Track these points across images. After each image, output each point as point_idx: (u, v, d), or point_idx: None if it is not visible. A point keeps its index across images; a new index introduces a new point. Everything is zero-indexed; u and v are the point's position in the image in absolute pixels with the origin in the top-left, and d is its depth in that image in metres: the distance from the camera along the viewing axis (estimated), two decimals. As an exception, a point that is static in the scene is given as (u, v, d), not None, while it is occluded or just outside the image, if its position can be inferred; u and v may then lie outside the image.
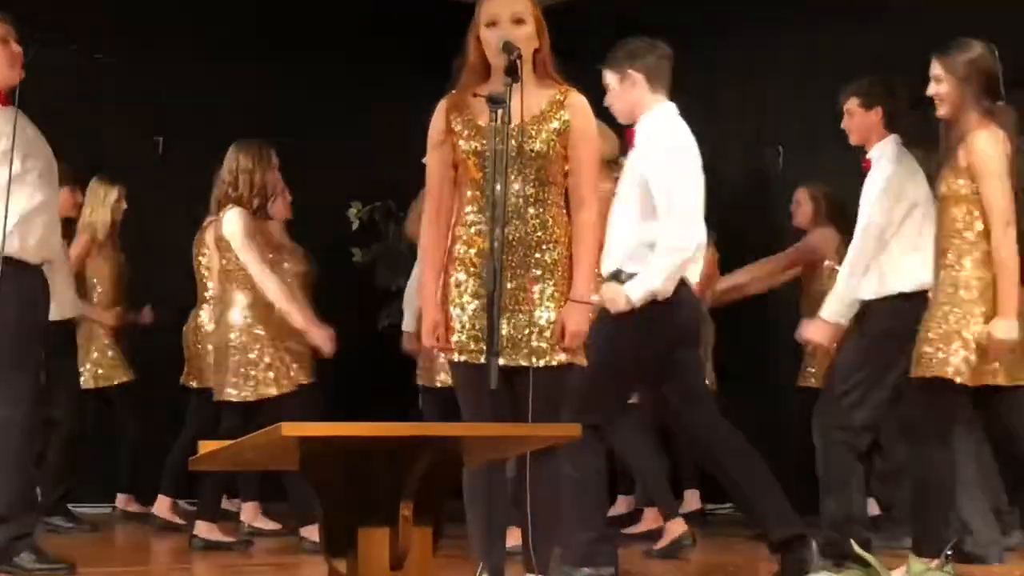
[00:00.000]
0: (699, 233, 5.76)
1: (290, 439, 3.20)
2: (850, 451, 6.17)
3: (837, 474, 6.20)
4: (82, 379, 8.33)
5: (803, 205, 8.02)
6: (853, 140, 6.39)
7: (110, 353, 8.49)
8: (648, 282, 5.61)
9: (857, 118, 6.32)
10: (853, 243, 6.30)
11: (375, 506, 3.37)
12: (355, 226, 10.00)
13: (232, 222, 6.83)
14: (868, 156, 6.32)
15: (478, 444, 3.65)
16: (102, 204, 8.36)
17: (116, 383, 8.53)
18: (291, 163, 7.51)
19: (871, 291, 6.19)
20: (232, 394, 6.88)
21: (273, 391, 6.87)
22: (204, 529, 7.06)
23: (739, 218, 8.77)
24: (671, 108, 5.91)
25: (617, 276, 5.70)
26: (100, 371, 8.45)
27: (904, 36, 7.94)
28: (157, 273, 8.81)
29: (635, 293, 5.61)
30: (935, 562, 5.38)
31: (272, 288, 6.81)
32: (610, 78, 5.91)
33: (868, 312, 6.22)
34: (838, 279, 6.36)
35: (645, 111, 5.88)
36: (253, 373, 6.85)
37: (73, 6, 8.86)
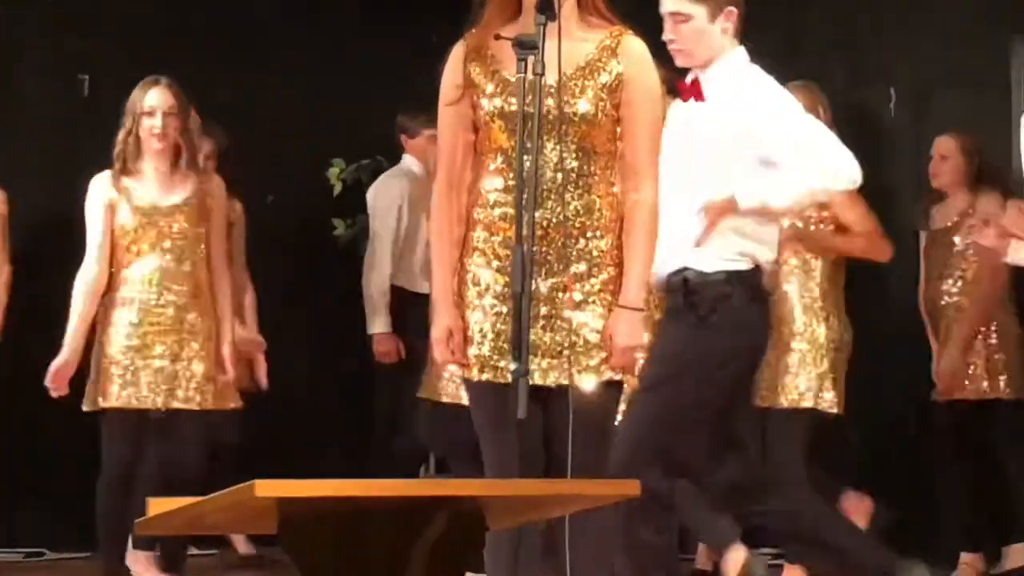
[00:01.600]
0: (855, 169, 5.73)
1: (266, 500, 3.12)
2: None
3: None
4: None
5: (951, 160, 7.95)
6: None
7: None
8: (768, 196, 5.58)
9: None
10: None
11: (375, 583, 3.31)
12: (336, 190, 9.78)
13: None
14: None
15: (507, 504, 3.58)
16: None
17: None
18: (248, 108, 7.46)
19: None
20: None
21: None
22: None
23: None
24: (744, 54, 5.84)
25: (683, 280, 5.63)
26: None
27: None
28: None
29: (745, 200, 5.55)
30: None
31: None
32: (693, 8, 5.79)
33: None
34: None
35: (721, 56, 5.78)
36: None
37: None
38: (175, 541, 7.18)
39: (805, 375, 7.02)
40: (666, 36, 5.72)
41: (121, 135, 6.92)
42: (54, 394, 6.92)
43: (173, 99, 6.93)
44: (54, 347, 7.28)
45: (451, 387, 7.43)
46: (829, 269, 7.20)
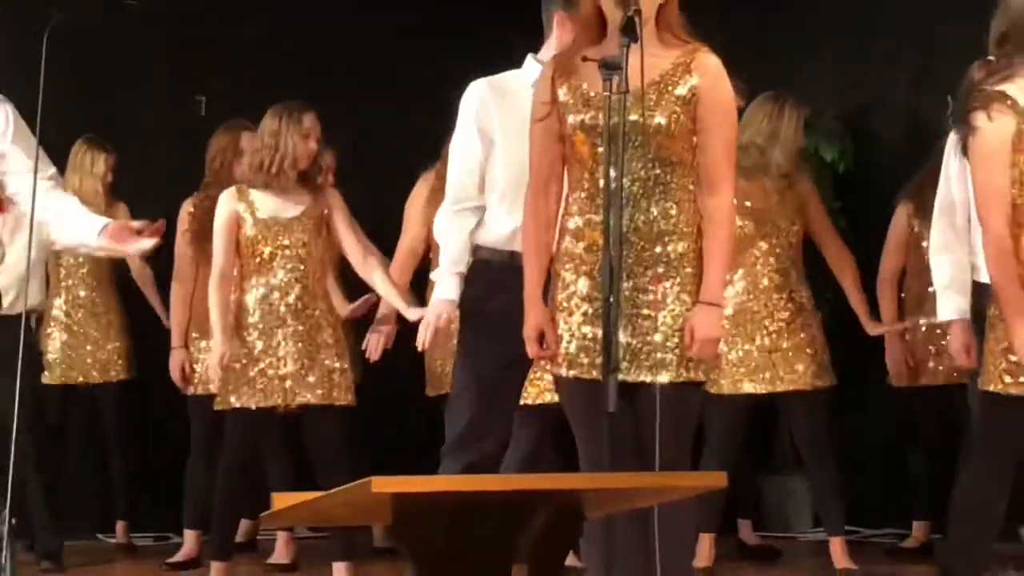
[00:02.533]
0: None
1: (381, 495, 3.08)
2: None
3: None
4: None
5: None
6: None
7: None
8: None
9: None
10: None
11: (482, 572, 3.25)
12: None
13: None
14: None
15: (603, 496, 3.52)
16: (89, 174, 8.24)
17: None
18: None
19: None
20: None
21: None
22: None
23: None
24: None
25: None
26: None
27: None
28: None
29: None
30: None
31: None
32: None
33: None
34: None
35: None
36: None
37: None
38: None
39: None
40: None
41: (265, 155, 6.83)
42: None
43: (319, 124, 6.91)
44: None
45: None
46: None
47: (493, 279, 5.06)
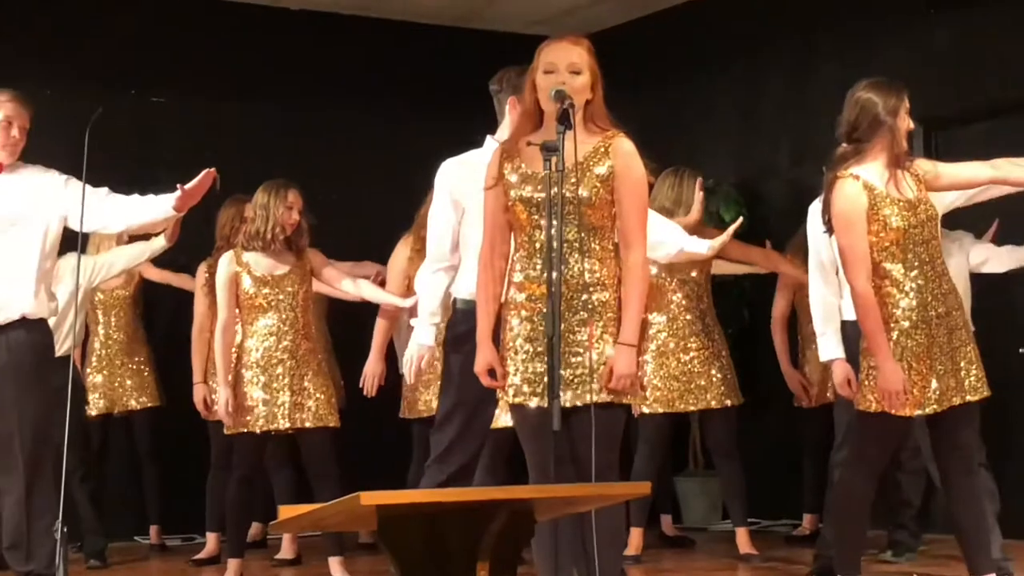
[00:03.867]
0: None
1: (368, 507, 3.07)
2: None
3: None
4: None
5: None
6: None
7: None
8: None
9: None
10: None
11: (452, 568, 3.24)
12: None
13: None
14: None
15: (552, 503, 3.52)
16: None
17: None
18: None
19: None
20: None
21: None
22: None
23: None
24: None
25: None
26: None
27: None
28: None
29: None
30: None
31: None
32: None
33: None
34: None
35: None
36: None
37: (134, 57, 8.85)
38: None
39: None
40: None
41: (259, 224, 6.82)
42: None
43: (301, 198, 6.92)
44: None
45: (423, 402, 7.39)
46: None
47: (469, 325, 5.03)
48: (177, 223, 7.29)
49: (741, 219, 5.90)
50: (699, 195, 6.17)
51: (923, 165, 5.37)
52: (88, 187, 5.59)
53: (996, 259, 6.86)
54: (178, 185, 5.59)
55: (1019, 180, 5.47)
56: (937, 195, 5.41)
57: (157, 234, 7.50)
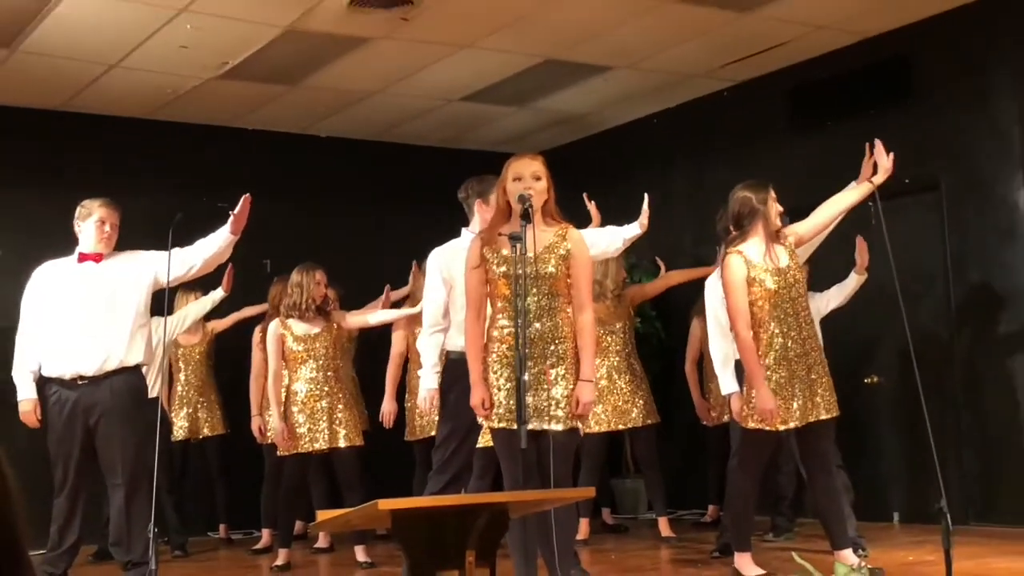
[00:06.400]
0: None
1: (385, 512, 3.00)
2: None
3: None
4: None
5: None
6: None
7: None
8: None
9: None
10: None
11: (448, 555, 3.17)
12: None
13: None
14: None
15: (522, 505, 3.45)
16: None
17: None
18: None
19: None
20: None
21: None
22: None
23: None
24: None
25: None
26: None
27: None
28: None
29: None
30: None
31: None
32: None
33: None
34: None
35: None
36: None
37: (204, 176, 8.78)
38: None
39: None
40: None
41: (295, 297, 6.77)
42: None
43: (326, 275, 6.89)
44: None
45: (422, 428, 7.36)
46: None
47: (459, 370, 4.97)
48: (230, 275, 7.30)
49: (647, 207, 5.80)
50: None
51: (789, 234, 5.39)
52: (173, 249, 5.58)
53: (833, 299, 6.70)
54: (229, 212, 5.54)
55: (838, 212, 5.48)
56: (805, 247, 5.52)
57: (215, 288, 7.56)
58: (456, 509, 3.15)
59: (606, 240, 5.71)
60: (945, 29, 7.47)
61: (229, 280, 7.55)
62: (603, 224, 6.14)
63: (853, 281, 6.62)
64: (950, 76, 7.52)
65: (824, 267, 6.63)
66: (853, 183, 5.64)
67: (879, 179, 5.32)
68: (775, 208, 5.41)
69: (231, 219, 5.57)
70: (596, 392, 4.57)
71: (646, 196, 5.89)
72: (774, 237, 5.33)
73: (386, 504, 2.96)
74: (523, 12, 7.09)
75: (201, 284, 7.48)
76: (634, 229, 5.74)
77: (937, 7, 7.38)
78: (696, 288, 6.48)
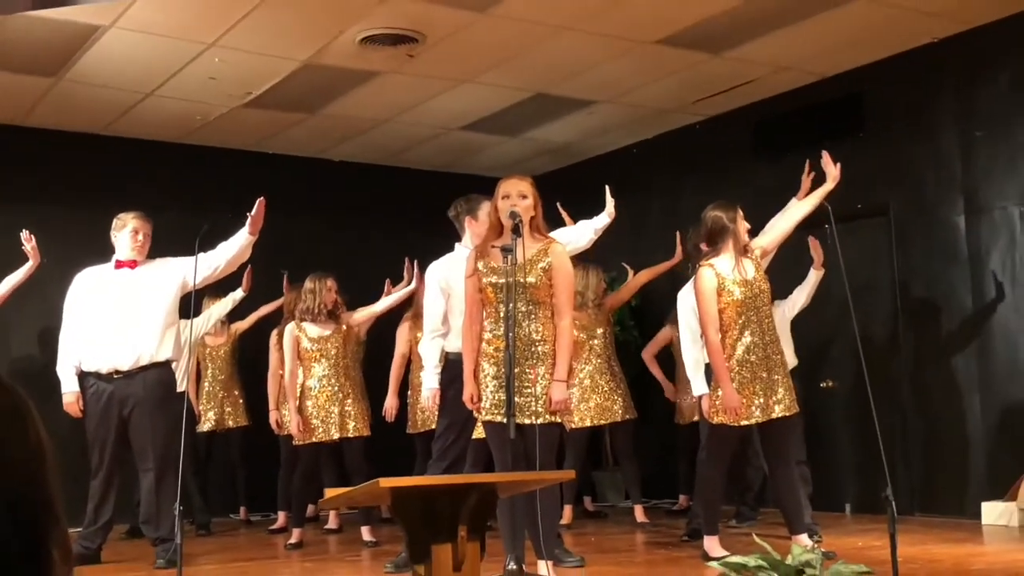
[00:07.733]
0: None
1: (385, 489, 3.02)
2: None
3: None
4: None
5: None
6: None
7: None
8: None
9: None
10: None
11: (442, 529, 3.18)
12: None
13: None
14: None
15: (508, 485, 3.47)
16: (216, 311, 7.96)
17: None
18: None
19: None
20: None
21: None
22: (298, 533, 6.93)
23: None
24: None
25: None
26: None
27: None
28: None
29: None
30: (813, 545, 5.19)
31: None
32: None
33: None
34: None
35: None
36: None
37: (229, 192, 8.82)
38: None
39: None
40: None
41: (308, 302, 6.77)
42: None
43: (336, 283, 6.88)
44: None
45: (423, 422, 7.36)
46: None
47: (456, 370, 5.00)
48: (249, 276, 7.33)
49: (610, 196, 5.78)
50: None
51: (755, 247, 5.44)
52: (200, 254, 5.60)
53: (799, 301, 6.68)
54: (247, 213, 5.58)
55: (794, 223, 5.54)
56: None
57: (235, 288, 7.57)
58: (449, 488, 3.14)
59: (577, 233, 5.74)
60: (894, 70, 7.54)
61: (248, 280, 7.59)
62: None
63: (813, 277, 6.67)
64: (898, 112, 7.58)
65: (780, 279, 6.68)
66: (794, 199, 5.78)
67: (828, 186, 5.38)
68: (743, 225, 5.47)
69: (249, 220, 5.61)
70: (569, 391, 4.58)
71: (607, 187, 5.91)
72: (743, 252, 5.39)
73: (387, 482, 2.95)
74: (516, 51, 7.15)
75: (223, 288, 7.52)
76: (603, 219, 5.77)
77: (887, 51, 7.46)
78: (671, 300, 6.51)
